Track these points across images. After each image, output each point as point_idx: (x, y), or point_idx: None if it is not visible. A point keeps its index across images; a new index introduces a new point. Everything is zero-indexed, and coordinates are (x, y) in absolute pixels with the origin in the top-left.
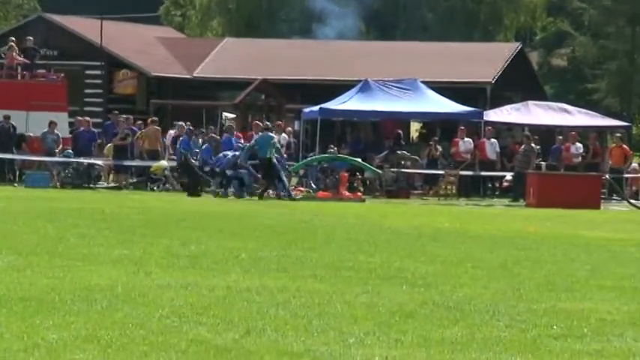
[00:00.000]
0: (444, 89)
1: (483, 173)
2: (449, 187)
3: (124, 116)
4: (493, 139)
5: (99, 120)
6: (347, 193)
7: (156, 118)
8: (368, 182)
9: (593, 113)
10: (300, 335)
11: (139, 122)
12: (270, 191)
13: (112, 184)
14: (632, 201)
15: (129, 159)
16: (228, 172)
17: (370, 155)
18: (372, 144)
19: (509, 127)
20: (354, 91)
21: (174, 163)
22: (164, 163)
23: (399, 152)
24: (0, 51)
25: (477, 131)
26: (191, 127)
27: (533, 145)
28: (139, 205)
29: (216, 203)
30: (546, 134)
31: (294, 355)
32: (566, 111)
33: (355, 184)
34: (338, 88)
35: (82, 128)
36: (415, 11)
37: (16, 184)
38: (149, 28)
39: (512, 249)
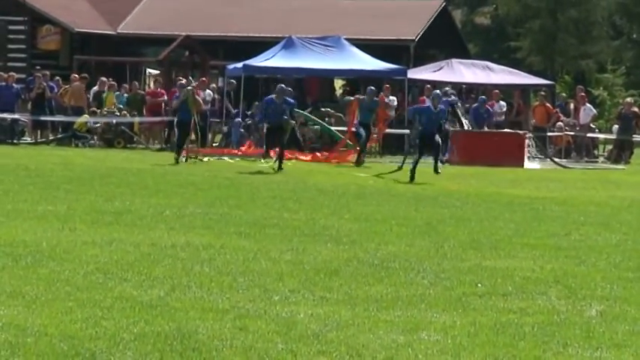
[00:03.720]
0: (368, 47)
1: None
2: (373, 144)
3: (43, 72)
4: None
5: (23, 76)
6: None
7: (86, 75)
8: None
9: (517, 71)
10: (225, 292)
11: (57, 78)
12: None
13: (35, 140)
14: (556, 159)
15: (47, 114)
16: None
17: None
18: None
19: (433, 84)
20: (278, 48)
21: (98, 119)
22: (87, 118)
23: (322, 109)
24: None
25: (400, 89)
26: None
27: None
28: (64, 161)
29: (141, 160)
30: (469, 92)
31: (219, 311)
32: (489, 69)
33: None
34: (262, 45)
35: (4, 83)
36: None
37: None
38: None
39: (436, 207)
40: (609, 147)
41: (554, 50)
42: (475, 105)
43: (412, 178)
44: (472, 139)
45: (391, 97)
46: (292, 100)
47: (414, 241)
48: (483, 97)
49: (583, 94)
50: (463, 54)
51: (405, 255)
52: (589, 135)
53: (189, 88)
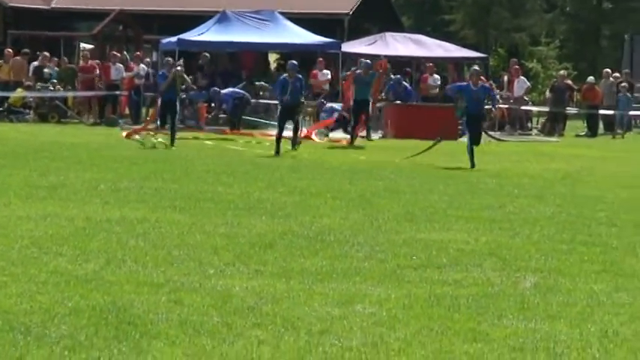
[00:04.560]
0: (302, 20)
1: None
2: (307, 117)
3: None
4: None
5: None
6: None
7: (27, 50)
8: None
9: (450, 45)
10: (159, 266)
11: None
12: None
13: None
14: (490, 132)
15: None
16: None
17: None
18: (229, 75)
19: (367, 58)
20: (212, 22)
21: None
22: (22, 92)
23: (256, 83)
24: None
25: (334, 63)
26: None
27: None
28: None
29: (75, 134)
30: (403, 65)
31: (154, 285)
32: (423, 42)
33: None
34: (196, 19)
35: None
36: None
37: None
38: None
39: (370, 180)
40: (543, 119)
41: (487, 23)
42: (391, 82)
43: (472, 163)
44: (406, 112)
45: (325, 71)
46: (301, 76)
47: (348, 214)
48: (398, 75)
49: (517, 66)
50: (397, 27)
51: (340, 228)
52: (523, 108)
53: (178, 68)
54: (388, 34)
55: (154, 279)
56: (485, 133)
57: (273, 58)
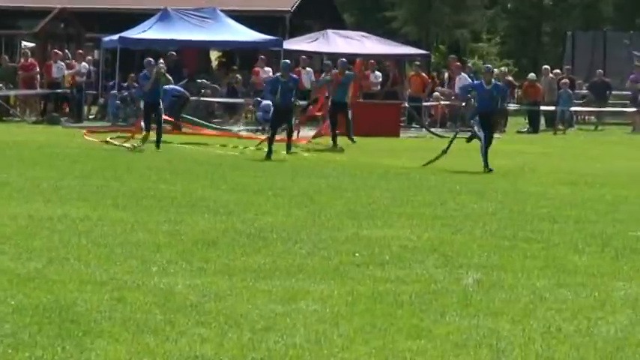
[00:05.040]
0: (244, 18)
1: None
2: (249, 115)
3: None
4: (309, 68)
5: None
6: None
7: None
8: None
9: (392, 42)
10: (102, 264)
11: None
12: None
13: None
14: (432, 129)
15: None
16: None
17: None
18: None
19: (309, 55)
20: (154, 20)
21: None
22: None
23: (198, 81)
24: None
25: (276, 60)
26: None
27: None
28: None
29: (17, 133)
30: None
31: (97, 283)
32: (364, 39)
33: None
34: (137, 17)
35: None
36: None
37: None
38: None
39: (313, 177)
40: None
41: (429, 20)
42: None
43: (486, 165)
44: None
45: (267, 68)
46: (296, 77)
47: (291, 212)
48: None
49: (458, 63)
50: (339, 24)
51: (283, 225)
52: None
53: (160, 66)
54: (330, 32)
55: (97, 277)
56: (428, 129)
57: (214, 55)
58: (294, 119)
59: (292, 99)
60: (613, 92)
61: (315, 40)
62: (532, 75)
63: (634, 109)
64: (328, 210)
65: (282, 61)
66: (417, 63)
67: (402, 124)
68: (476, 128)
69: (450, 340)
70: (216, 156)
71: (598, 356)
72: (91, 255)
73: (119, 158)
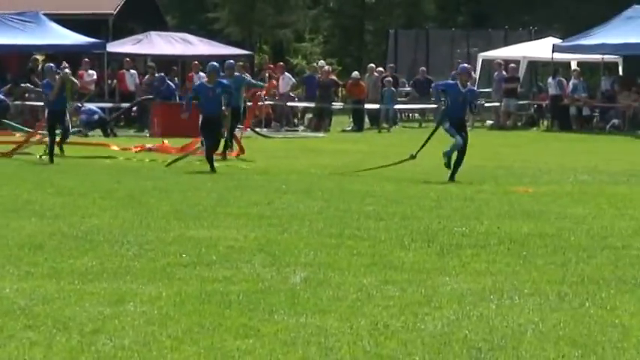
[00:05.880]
0: (67, 21)
1: (124, 105)
2: (74, 118)
3: None
4: (133, 71)
5: None
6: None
7: None
8: None
9: (215, 42)
10: None
11: None
12: None
13: None
14: (256, 129)
15: None
16: None
17: None
18: None
19: (133, 57)
20: None
21: None
22: None
23: (22, 85)
24: None
25: (99, 63)
26: None
27: (157, 74)
28: None
29: None
30: (169, 64)
31: None
32: (188, 41)
33: None
34: None
35: None
36: None
37: None
38: None
39: (139, 179)
40: (309, 115)
41: (252, 20)
42: (155, 83)
43: (452, 175)
44: (172, 110)
45: (90, 72)
46: (226, 82)
47: (117, 214)
48: (162, 74)
49: (281, 63)
50: (162, 26)
51: (109, 227)
52: (289, 104)
53: (66, 71)
54: (153, 34)
55: None
56: (252, 129)
57: (41, 58)
58: (222, 129)
59: (219, 106)
60: None
61: (138, 42)
62: (356, 74)
63: None
64: (155, 211)
65: (210, 63)
66: (241, 63)
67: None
68: (450, 133)
69: (278, 338)
70: (41, 160)
71: (425, 351)
72: None
73: None
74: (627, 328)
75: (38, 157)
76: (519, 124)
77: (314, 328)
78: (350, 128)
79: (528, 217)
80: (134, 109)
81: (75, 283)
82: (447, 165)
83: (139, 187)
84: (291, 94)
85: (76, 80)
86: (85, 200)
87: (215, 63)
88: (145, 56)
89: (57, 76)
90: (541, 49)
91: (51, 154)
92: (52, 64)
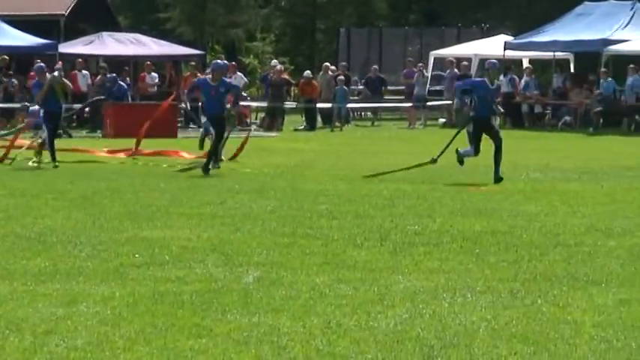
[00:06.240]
0: (18, 22)
1: (76, 105)
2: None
3: None
4: (85, 71)
5: None
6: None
7: None
8: None
9: (167, 43)
10: None
11: None
12: None
13: None
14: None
15: None
16: None
17: None
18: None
19: (85, 58)
20: None
21: None
22: None
23: None
24: None
25: (52, 64)
26: None
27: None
28: None
29: None
30: (121, 65)
31: None
32: (140, 41)
33: None
34: None
35: None
36: None
37: None
38: None
39: (92, 180)
40: (262, 115)
41: (203, 20)
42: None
43: (496, 173)
44: (125, 111)
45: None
46: (229, 80)
47: (70, 214)
48: (114, 74)
49: (233, 62)
50: (114, 27)
51: (62, 228)
52: (241, 103)
53: (55, 74)
54: (105, 34)
55: None
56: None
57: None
58: (224, 131)
59: (223, 105)
60: (389, 88)
61: (90, 43)
62: (308, 72)
63: (409, 105)
64: (108, 212)
65: (214, 61)
66: (193, 63)
67: (179, 125)
68: (469, 138)
69: (231, 338)
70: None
71: (378, 350)
72: None
73: None
74: (579, 325)
75: (31, 162)
76: None
77: (267, 327)
78: (303, 127)
79: (481, 215)
80: (87, 109)
81: (28, 284)
82: (460, 161)
83: (92, 188)
84: (243, 93)
85: (67, 82)
86: (37, 201)
87: (220, 61)
88: (97, 57)
89: (47, 77)
90: (493, 46)
91: (52, 153)
92: (42, 64)
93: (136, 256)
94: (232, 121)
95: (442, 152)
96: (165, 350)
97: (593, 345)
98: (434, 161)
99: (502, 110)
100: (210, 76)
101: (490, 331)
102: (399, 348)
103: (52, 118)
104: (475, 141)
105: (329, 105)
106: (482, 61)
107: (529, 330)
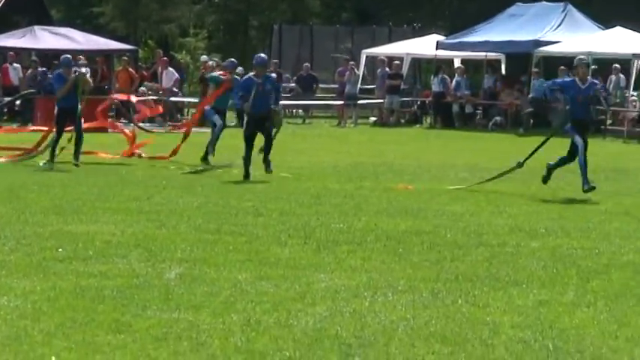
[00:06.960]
0: None
1: (7, 99)
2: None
3: None
4: (16, 64)
5: None
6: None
7: None
8: None
9: (100, 37)
10: None
11: None
12: None
13: None
14: (140, 124)
15: None
16: None
17: None
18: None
19: (17, 52)
20: None
21: None
22: None
23: None
24: None
25: None
26: None
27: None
28: None
29: None
30: (53, 59)
31: None
32: (72, 35)
33: None
34: None
35: None
36: None
37: None
38: None
39: (18, 173)
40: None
41: (137, 15)
42: (38, 77)
43: (585, 183)
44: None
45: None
46: (274, 76)
47: None
48: (44, 68)
49: (165, 58)
50: (46, 20)
51: None
52: (172, 99)
53: (82, 71)
54: (37, 28)
55: None
56: (136, 125)
57: None
58: (272, 129)
59: (268, 103)
60: (320, 85)
61: (22, 37)
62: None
63: (340, 103)
64: (34, 206)
65: (257, 55)
66: (125, 58)
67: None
68: (570, 133)
69: (150, 333)
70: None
71: (296, 347)
72: None
73: None
74: (497, 325)
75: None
76: (402, 121)
77: (186, 323)
78: (234, 124)
79: (406, 214)
80: (17, 102)
81: None
82: (545, 180)
83: (18, 181)
84: (174, 89)
85: (90, 80)
86: None
87: (263, 55)
88: (29, 50)
89: (72, 74)
90: (425, 46)
91: (52, 153)
92: (69, 56)
93: (60, 250)
94: (279, 120)
95: (530, 155)
96: (83, 345)
97: (510, 346)
98: (520, 165)
99: (608, 103)
100: (252, 72)
101: (409, 331)
102: (317, 346)
103: (69, 113)
104: (575, 132)
105: None
106: (415, 60)
107: (447, 330)
